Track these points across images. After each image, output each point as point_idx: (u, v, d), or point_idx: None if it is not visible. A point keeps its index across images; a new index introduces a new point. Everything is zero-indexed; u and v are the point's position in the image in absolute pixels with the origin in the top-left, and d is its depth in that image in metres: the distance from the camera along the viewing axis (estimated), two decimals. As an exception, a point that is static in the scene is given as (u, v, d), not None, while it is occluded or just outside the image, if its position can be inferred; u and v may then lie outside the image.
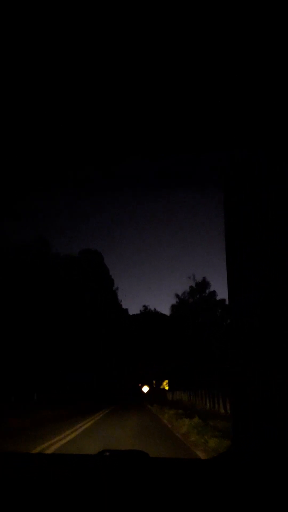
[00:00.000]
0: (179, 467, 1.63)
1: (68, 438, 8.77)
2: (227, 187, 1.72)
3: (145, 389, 45.82)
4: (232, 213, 1.66)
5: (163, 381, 51.13)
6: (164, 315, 54.48)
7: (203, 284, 48.39)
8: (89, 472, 1.49)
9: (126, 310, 56.48)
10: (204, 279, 48.69)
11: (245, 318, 1.51)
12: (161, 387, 50.58)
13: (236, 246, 1.63)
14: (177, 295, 50.93)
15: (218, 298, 47.21)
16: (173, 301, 61.59)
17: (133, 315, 58.12)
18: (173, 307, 51.82)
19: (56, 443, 8.02)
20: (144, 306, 60.95)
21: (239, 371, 1.50)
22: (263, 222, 1.48)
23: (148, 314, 58.32)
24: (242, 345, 1.51)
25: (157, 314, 57.94)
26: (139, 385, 52.80)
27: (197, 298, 48.59)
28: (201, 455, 6.63)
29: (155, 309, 60.52)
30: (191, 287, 49.29)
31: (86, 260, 42.91)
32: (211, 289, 48.16)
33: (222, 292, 48.08)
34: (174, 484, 1.34)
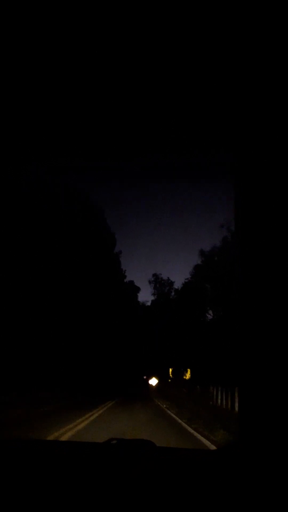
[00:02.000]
0: (186, 456, 1.64)
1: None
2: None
3: (153, 381, 35.24)
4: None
5: (185, 369, 38.32)
6: (179, 288, 42.82)
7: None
8: (96, 460, 1.52)
9: (132, 282, 45.22)
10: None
11: (255, 307, 1.49)
12: (186, 377, 37.88)
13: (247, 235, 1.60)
14: (202, 253, 37.43)
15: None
16: (186, 272, 54.19)
17: (140, 286, 47.56)
18: (197, 269, 37.98)
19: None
20: (154, 275, 47.51)
21: (247, 363, 1.49)
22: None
23: (159, 285, 46.47)
24: (251, 335, 1.50)
25: (170, 284, 46.20)
26: (144, 377, 42.17)
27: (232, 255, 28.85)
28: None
29: (168, 278, 48.12)
30: (224, 238, 34.36)
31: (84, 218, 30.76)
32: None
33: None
34: (181, 473, 1.35)
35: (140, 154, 2.03)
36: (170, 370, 41.56)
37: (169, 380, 38.59)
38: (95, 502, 1.13)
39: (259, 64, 1.46)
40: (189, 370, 37.46)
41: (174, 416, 12.96)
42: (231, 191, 1.72)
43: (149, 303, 47.82)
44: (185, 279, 43.50)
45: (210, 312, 37.24)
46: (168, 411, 14.82)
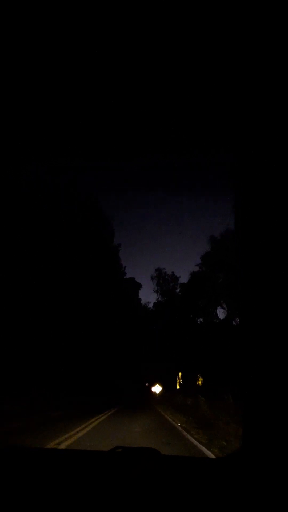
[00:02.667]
0: (190, 465, 1.65)
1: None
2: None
3: (157, 389, 30.89)
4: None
5: (197, 373, 32.42)
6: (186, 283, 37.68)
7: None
8: (101, 468, 1.51)
9: (132, 279, 40.70)
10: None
11: (258, 313, 1.49)
12: (198, 382, 32.14)
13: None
14: (212, 239, 32.61)
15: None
16: (192, 264, 47.68)
17: (140, 283, 42.82)
18: (206, 257, 33.00)
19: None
20: (157, 270, 42.17)
21: (251, 369, 1.49)
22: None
23: (162, 281, 41.27)
24: (254, 338, 1.50)
25: (175, 280, 40.90)
26: (146, 384, 37.64)
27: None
28: None
29: (173, 273, 42.39)
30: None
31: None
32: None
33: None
34: (185, 481, 1.36)
35: (140, 154, 2.03)
36: (179, 374, 35.99)
37: (178, 387, 33.78)
38: (101, 510, 1.13)
39: (259, 65, 1.46)
40: (199, 376, 32.25)
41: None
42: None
43: (151, 305, 43.97)
44: (191, 272, 36.48)
45: (224, 305, 32.34)
46: (195, 442, 8.06)
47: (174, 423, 11.90)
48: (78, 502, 1.16)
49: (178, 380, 35.22)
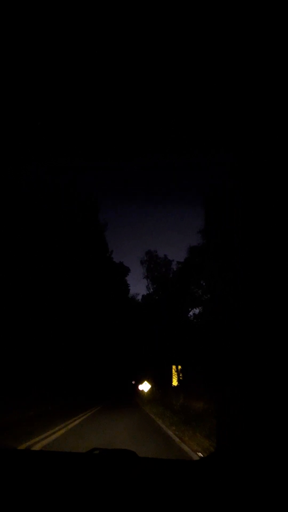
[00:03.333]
0: (166, 467, 1.64)
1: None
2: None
3: (145, 387, 25.38)
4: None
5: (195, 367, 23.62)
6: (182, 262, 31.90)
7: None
8: (78, 470, 1.51)
9: (120, 264, 36.89)
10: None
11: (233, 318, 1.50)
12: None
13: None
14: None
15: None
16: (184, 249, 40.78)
17: (129, 267, 38.78)
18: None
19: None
20: (148, 253, 36.17)
21: (226, 371, 1.50)
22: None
23: (153, 265, 35.81)
24: (231, 342, 1.51)
25: (168, 264, 35.07)
26: (133, 382, 34.89)
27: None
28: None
29: (165, 256, 36.72)
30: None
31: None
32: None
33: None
34: (162, 483, 1.36)
35: (140, 154, 2.03)
36: (177, 368, 28.78)
37: (176, 383, 27.70)
38: None
39: (258, 66, 1.46)
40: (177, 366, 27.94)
41: None
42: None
43: (139, 297, 39.27)
44: (189, 247, 30.57)
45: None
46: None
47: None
48: (53, 504, 1.15)
49: (175, 376, 28.57)
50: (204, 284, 27.84)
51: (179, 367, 28.78)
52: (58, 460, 1.72)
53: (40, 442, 7.14)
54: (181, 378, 27.96)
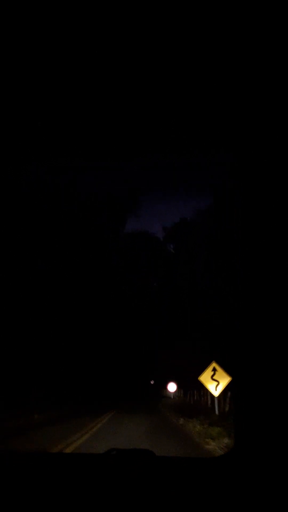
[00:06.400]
0: (185, 466, 1.65)
1: None
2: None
3: (171, 387, 20.48)
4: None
5: None
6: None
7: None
8: (97, 470, 1.52)
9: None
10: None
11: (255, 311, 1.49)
12: None
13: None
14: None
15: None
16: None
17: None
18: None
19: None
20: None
21: (244, 368, 1.50)
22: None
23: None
24: (248, 339, 1.50)
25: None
26: (152, 382, 28.67)
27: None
28: None
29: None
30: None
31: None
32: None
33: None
34: (180, 482, 1.36)
35: (140, 154, 2.03)
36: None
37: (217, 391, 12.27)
38: None
39: (259, 65, 1.46)
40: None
41: None
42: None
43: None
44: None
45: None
46: None
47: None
48: (74, 506, 1.16)
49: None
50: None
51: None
52: (75, 461, 1.73)
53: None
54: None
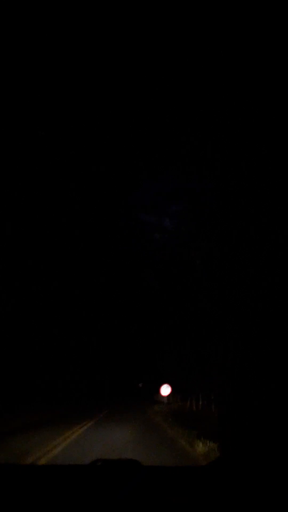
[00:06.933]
0: (172, 475, 1.64)
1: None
2: None
3: (165, 391, 17.13)
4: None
5: None
6: None
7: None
8: (81, 482, 1.49)
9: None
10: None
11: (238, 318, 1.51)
12: None
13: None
14: None
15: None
16: None
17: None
18: None
19: None
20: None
21: (226, 375, 1.51)
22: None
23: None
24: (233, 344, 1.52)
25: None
26: (140, 385, 25.99)
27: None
28: None
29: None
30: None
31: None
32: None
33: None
34: (167, 492, 1.36)
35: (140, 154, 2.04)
36: None
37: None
38: None
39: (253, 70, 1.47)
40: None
41: None
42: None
43: None
44: None
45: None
46: None
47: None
48: None
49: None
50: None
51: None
52: (60, 473, 1.71)
53: None
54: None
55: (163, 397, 17.64)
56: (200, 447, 6.78)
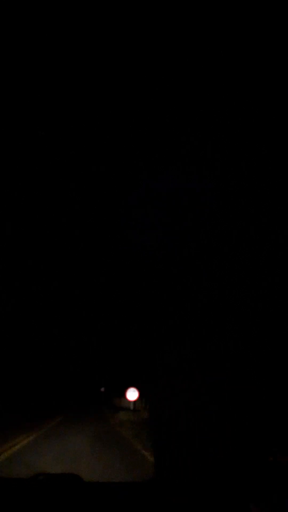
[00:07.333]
0: (110, 490, 1.65)
1: None
2: None
3: (132, 395, 13.42)
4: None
5: None
6: None
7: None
8: (21, 496, 1.48)
9: None
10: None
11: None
12: None
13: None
14: None
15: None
16: None
17: None
18: None
19: None
20: None
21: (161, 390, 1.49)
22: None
23: None
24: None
25: None
26: (102, 389, 23.08)
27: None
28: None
29: None
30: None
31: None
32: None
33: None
34: (105, 507, 1.35)
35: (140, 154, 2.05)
36: None
37: None
38: None
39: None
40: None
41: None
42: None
43: None
44: None
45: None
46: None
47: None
48: None
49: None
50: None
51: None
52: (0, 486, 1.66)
53: None
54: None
55: (129, 402, 14.18)
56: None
